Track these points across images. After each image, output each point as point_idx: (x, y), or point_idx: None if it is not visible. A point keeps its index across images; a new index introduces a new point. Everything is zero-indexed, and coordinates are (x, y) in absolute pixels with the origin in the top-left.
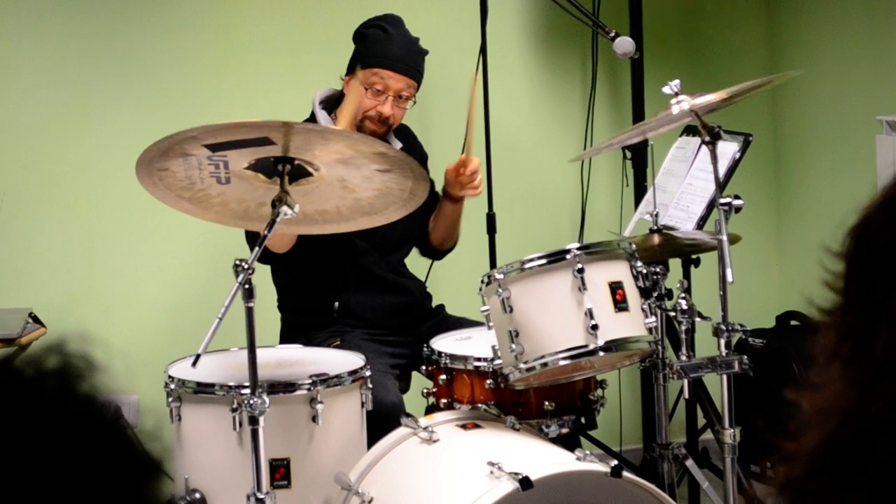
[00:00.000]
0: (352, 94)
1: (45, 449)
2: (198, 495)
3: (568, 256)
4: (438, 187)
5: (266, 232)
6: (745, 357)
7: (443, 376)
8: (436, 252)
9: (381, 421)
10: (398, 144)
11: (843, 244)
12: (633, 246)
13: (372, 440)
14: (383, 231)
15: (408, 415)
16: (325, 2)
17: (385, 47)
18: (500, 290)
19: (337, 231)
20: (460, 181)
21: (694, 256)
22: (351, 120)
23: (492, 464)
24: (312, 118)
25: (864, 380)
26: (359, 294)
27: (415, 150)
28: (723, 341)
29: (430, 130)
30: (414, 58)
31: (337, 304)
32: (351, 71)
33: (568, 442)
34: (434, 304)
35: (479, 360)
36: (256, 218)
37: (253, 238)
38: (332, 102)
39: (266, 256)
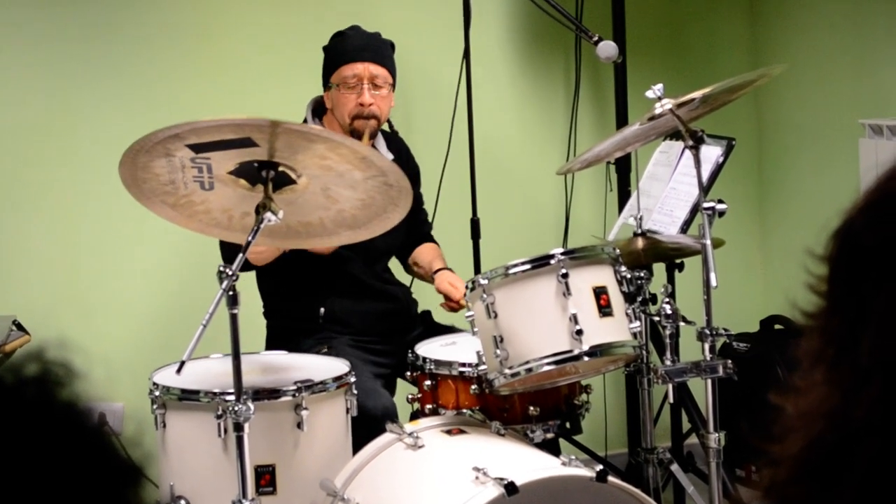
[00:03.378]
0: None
1: (24, 456)
2: (183, 502)
3: (552, 261)
4: (427, 199)
5: (250, 238)
6: (730, 361)
7: (427, 382)
8: (407, 269)
9: (374, 426)
10: (390, 156)
11: (826, 247)
12: (617, 251)
13: (364, 446)
14: (367, 242)
15: (393, 420)
16: (310, 2)
17: (345, 46)
18: (485, 296)
19: (321, 245)
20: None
21: (678, 261)
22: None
23: (477, 469)
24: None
25: (848, 383)
26: (344, 300)
27: (407, 164)
28: (707, 346)
29: (414, 135)
30: (376, 46)
31: (322, 310)
32: (325, 85)
33: (552, 447)
34: (420, 310)
35: (463, 365)
36: (240, 229)
37: (227, 248)
38: (322, 109)
39: (245, 264)
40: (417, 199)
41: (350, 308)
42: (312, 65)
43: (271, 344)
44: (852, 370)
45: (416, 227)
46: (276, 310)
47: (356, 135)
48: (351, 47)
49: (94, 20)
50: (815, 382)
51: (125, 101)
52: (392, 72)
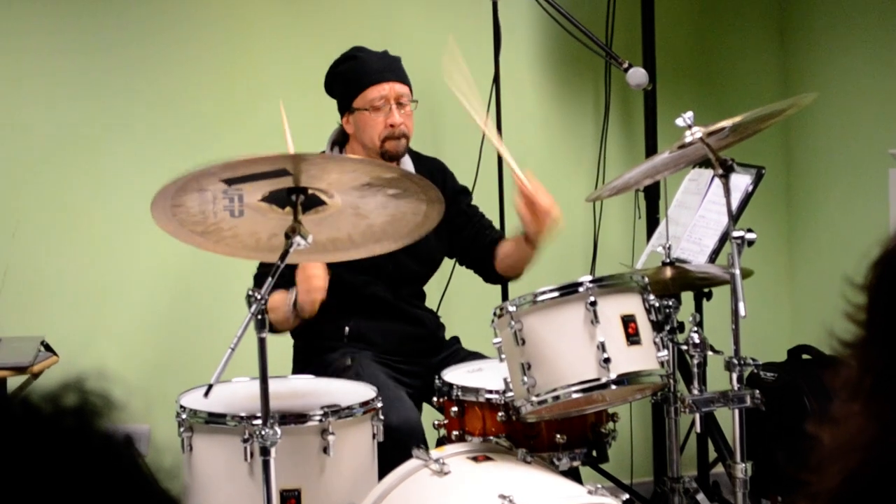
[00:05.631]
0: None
1: (62, 486)
2: None
3: (580, 289)
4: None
5: (279, 262)
6: (758, 391)
7: (454, 408)
8: (499, 278)
9: (402, 439)
10: None
11: (866, 276)
12: (646, 279)
13: (393, 460)
14: (391, 268)
15: (419, 446)
16: (336, 16)
17: (364, 69)
18: (513, 323)
19: (347, 258)
20: (536, 219)
21: (706, 290)
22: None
23: (503, 497)
24: None
25: (887, 415)
26: (369, 320)
27: (443, 186)
28: (735, 375)
29: (443, 160)
30: (394, 65)
31: (347, 328)
32: (346, 110)
33: (577, 475)
34: (448, 335)
35: (490, 392)
36: (267, 249)
37: (263, 269)
38: (343, 139)
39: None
40: (472, 214)
41: (374, 327)
42: None
43: (298, 366)
44: (890, 402)
45: (481, 239)
46: (302, 330)
47: (388, 157)
48: (371, 69)
49: (116, 36)
50: (852, 413)
51: (152, 118)
52: (411, 88)
